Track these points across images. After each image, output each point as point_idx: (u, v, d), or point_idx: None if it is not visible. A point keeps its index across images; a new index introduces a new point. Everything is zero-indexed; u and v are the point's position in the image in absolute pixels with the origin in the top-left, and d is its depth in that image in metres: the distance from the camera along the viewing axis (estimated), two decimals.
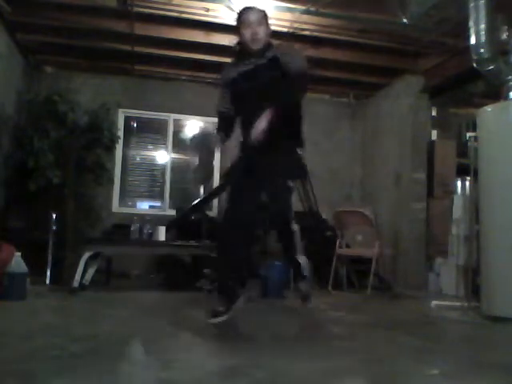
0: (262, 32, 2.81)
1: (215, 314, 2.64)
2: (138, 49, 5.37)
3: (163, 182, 6.39)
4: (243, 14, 2.84)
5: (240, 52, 2.91)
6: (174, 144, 6.46)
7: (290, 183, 2.91)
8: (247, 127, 2.75)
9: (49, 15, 4.74)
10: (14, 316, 3.06)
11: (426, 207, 5.64)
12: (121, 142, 5.94)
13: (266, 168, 2.75)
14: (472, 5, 3.68)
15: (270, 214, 2.96)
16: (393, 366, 2.14)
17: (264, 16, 2.86)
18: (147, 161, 6.52)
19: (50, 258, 4.52)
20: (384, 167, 6.19)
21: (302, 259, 3.07)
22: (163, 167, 6.45)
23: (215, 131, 3.14)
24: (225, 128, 2.98)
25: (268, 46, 2.85)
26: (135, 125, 6.46)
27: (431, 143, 5.85)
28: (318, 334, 2.90)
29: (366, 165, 6.74)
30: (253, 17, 2.81)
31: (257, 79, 2.78)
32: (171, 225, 5.10)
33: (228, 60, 5.42)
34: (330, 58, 5.41)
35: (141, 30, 4.92)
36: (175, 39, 5.11)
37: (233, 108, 2.92)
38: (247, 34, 2.79)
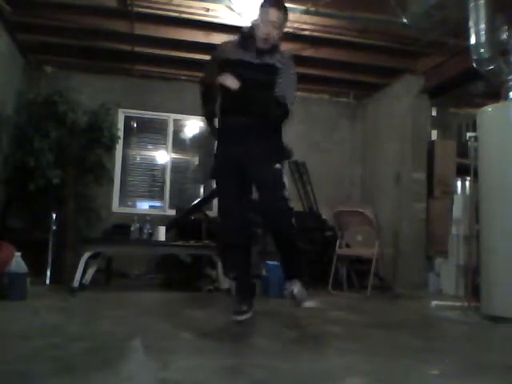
0: (276, 35, 2.81)
1: (240, 312, 2.87)
2: (138, 49, 5.36)
3: (163, 182, 6.39)
4: (270, 5, 2.78)
5: (247, 36, 2.88)
6: (174, 144, 6.46)
7: (277, 166, 2.85)
8: (229, 113, 2.87)
9: (49, 15, 4.74)
10: (14, 316, 3.05)
11: (426, 207, 5.64)
12: (121, 142, 5.93)
13: (247, 158, 2.82)
14: (472, 5, 3.69)
15: (263, 206, 2.84)
16: (393, 366, 2.14)
17: (286, 19, 2.85)
18: (147, 161, 6.52)
19: (50, 258, 4.52)
20: (384, 167, 6.19)
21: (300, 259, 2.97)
22: (163, 167, 6.45)
23: (205, 125, 3.22)
24: (211, 102, 3.06)
25: (274, 47, 2.87)
26: (135, 125, 6.45)
27: (431, 143, 5.85)
28: (318, 333, 2.90)
29: (366, 165, 6.74)
30: (275, 16, 2.77)
31: (255, 76, 2.81)
32: (171, 225, 5.10)
33: None
34: (329, 57, 5.41)
35: (141, 29, 4.91)
36: (175, 39, 5.11)
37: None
38: (262, 30, 2.79)
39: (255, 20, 2.88)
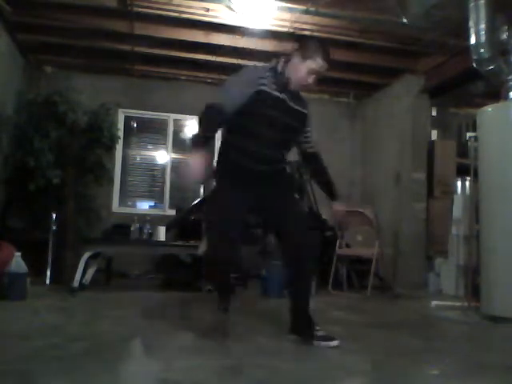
0: (312, 82, 2.66)
1: (225, 309, 2.84)
2: (137, 49, 5.36)
3: (163, 182, 6.39)
4: (322, 58, 2.58)
5: (280, 74, 2.62)
6: (174, 144, 6.46)
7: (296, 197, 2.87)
8: (252, 146, 2.62)
9: (49, 15, 4.74)
10: (14, 316, 3.06)
11: (426, 207, 5.64)
12: (121, 142, 5.92)
13: (268, 196, 2.68)
14: (472, 5, 3.69)
15: (287, 240, 2.65)
16: (393, 366, 2.14)
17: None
18: (147, 161, 6.52)
19: (50, 258, 4.52)
20: (384, 167, 6.19)
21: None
22: (163, 167, 6.46)
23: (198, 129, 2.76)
24: (213, 127, 2.71)
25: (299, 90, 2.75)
26: (135, 125, 6.46)
27: (431, 143, 5.85)
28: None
29: (366, 165, 6.74)
30: (322, 68, 2.61)
31: (288, 120, 2.66)
32: (171, 225, 5.10)
33: (224, 59, 5.50)
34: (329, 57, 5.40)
35: (141, 29, 4.91)
36: (175, 39, 5.10)
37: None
38: (304, 77, 2.59)
39: (292, 61, 2.63)
